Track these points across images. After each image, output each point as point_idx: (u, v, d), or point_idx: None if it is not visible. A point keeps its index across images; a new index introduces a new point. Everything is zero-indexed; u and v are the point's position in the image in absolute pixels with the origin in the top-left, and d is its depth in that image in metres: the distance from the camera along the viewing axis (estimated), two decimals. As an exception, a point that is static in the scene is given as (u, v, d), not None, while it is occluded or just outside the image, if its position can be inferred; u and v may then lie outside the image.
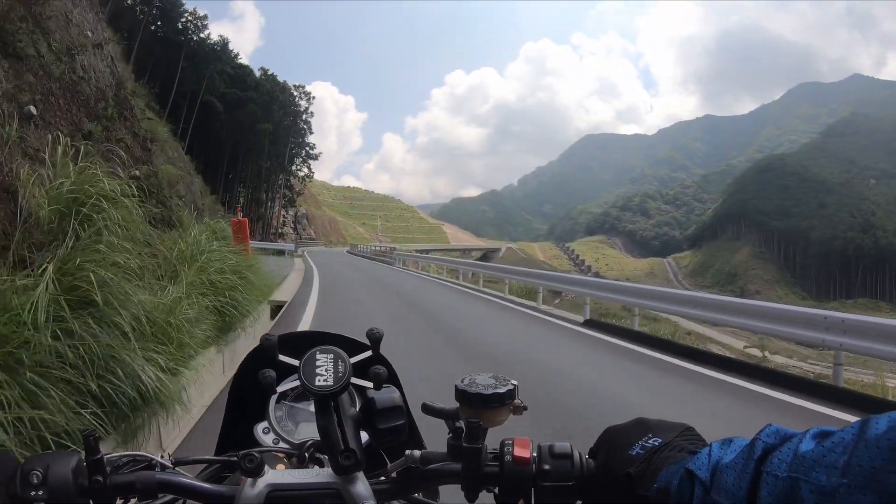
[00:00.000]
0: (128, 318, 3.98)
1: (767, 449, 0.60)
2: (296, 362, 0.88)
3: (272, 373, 0.87)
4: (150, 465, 0.92)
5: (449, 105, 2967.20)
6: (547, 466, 0.80)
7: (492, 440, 0.84)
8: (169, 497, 0.93)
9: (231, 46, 73.34)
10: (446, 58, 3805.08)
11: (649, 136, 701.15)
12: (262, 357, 1.10)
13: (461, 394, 0.86)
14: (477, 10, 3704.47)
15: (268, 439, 1.22)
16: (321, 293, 16.94)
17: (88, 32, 11.61)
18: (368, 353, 0.99)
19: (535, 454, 0.82)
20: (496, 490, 0.83)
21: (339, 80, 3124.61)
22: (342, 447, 0.82)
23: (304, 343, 1.01)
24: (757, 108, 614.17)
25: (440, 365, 8.00)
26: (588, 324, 13.04)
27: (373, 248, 70.76)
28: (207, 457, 1.06)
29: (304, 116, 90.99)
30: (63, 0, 9.97)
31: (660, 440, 0.76)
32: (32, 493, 0.77)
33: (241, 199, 78.00)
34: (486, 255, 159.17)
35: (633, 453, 0.75)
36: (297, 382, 0.86)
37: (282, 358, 0.93)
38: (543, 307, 16.19)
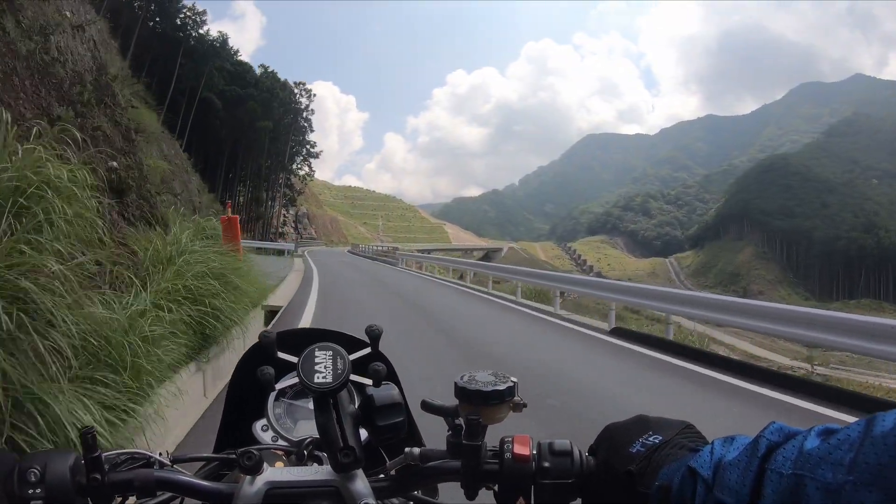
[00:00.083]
0: (60, 343, 2.97)
1: (771, 446, 0.60)
2: (294, 359, 0.88)
3: (271, 370, 0.87)
4: (148, 462, 0.92)
5: (450, 105, 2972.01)
6: (547, 464, 0.80)
7: (491, 438, 0.84)
8: (167, 495, 0.92)
9: (231, 44, 72.65)
10: (448, 57, 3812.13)
11: (651, 135, 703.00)
12: (260, 354, 1.14)
13: (461, 391, 0.86)
14: (478, 10, 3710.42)
15: (266, 437, 1.21)
16: (320, 296, 15.92)
17: (67, 13, 10.69)
18: (367, 350, 0.99)
19: (534, 452, 0.82)
20: (496, 488, 0.83)
21: (341, 80, 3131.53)
22: (341, 444, 0.82)
23: (303, 340, 1.02)
24: (759, 107, 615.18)
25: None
26: (616, 332, 11.82)
27: (374, 247, 69.49)
28: (206, 454, 1.06)
29: (304, 114, 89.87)
30: (37, -26, 8.99)
31: (660, 438, 0.76)
32: (30, 492, 0.76)
33: (241, 198, 77.16)
34: (489, 255, 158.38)
35: (634, 451, 0.75)
36: (296, 379, 0.86)
37: (280, 355, 0.93)
38: (561, 312, 15.07)
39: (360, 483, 0.83)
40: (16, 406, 2.68)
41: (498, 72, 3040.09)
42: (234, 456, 0.90)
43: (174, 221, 9.10)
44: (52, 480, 0.77)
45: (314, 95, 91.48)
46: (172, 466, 0.93)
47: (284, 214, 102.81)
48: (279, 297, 12.87)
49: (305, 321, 10.90)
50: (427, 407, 0.89)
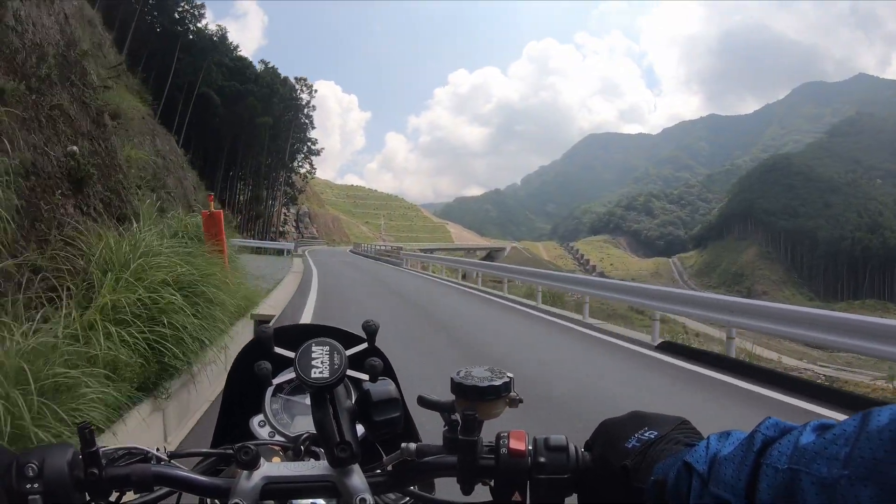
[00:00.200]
0: None
1: (767, 441, 0.60)
2: (292, 355, 0.88)
3: (268, 365, 0.87)
4: (145, 457, 0.92)
5: (452, 104, 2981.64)
6: (542, 459, 0.80)
7: (487, 433, 0.84)
8: (164, 490, 0.92)
9: (231, 39, 71.02)
10: (449, 57, 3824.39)
11: (653, 135, 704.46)
12: (257, 349, 1.16)
13: (457, 386, 0.87)
14: (480, 10, 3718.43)
15: (263, 432, 1.22)
16: (319, 301, 14.51)
17: (31, -20, 9.41)
18: (364, 346, 0.99)
19: (530, 447, 0.82)
20: (492, 483, 0.83)
21: (343, 79, 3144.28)
22: (338, 440, 0.83)
23: (300, 335, 1.01)
24: (761, 107, 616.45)
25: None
26: (666, 348, 10.19)
27: (376, 247, 67.96)
28: (203, 450, 1.06)
29: (305, 111, 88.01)
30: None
31: (656, 433, 0.76)
32: (28, 486, 0.77)
33: (241, 197, 75.93)
34: (491, 255, 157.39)
35: (629, 446, 0.75)
36: (293, 375, 0.86)
37: (278, 350, 0.94)
38: (591, 321, 13.43)
39: (357, 478, 0.83)
40: None
41: (500, 71, 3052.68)
42: (231, 451, 0.91)
43: (149, 217, 7.81)
44: (49, 475, 0.78)
45: (315, 91, 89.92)
46: (170, 461, 0.93)
47: (285, 213, 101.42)
48: (273, 304, 11.37)
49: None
50: (423, 402, 0.90)
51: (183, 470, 0.89)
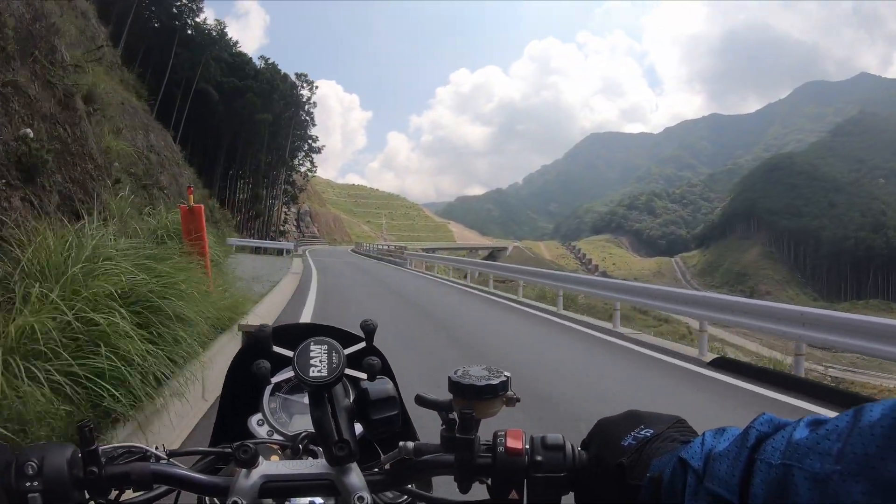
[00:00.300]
0: None
1: (761, 437, 0.60)
2: (290, 353, 0.89)
3: (266, 364, 0.88)
4: (144, 456, 0.93)
5: (454, 104, 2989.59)
6: (539, 458, 0.81)
7: (485, 432, 0.85)
8: (163, 488, 0.93)
9: (230, 36, 69.88)
10: (451, 56, 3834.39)
11: (655, 134, 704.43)
12: (256, 348, 1.16)
13: (454, 385, 0.87)
14: (482, 9, 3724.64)
15: (262, 431, 1.23)
16: (318, 308, 13.19)
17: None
18: (362, 345, 1.00)
19: (527, 446, 0.83)
20: (489, 481, 0.84)
21: (344, 79, 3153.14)
22: (336, 438, 0.83)
23: (298, 334, 1.02)
24: (763, 106, 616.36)
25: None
26: (720, 366, 8.88)
27: (378, 246, 66.70)
28: (202, 448, 1.07)
29: (306, 107, 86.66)
30: None
31: (652, 431, 0.77)
32: (28, 484, 0.77)
33: (241, 195, 74.79)
34: (493, 254, 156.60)
35: (625, 444, 0.76)
36: (292, 374, 0.87)
37: (276, 349, 0.95)
38: (623, 330, 12.12)
39: (355, 476, 0.84)
40: None
41: (501, 71, 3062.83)
42: (229, 450, 0.92)
43: (122, 213, 6.73)
44: (49, 473, 0.78)
45: (316, 88, 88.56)
46: (169, 460, 0.93)
47: (286, 212, 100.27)
48: (265, 312, 10.04)
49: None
50: (421, 401, 0.90)
51: (182, 468, 0.89)
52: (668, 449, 0.72)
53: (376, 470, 0.90)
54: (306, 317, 11.78)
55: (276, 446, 1.09)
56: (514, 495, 0.81)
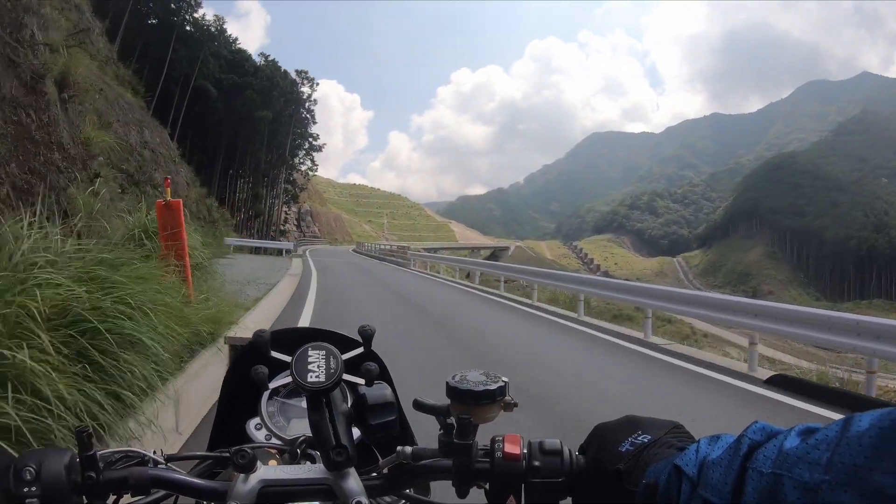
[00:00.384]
0: None
1: (753, 445, 0.61)
2: (288, 358, 0.89)
3: (264, 369, 0.88)
4: (142, 461, 0.93)
5: (455, 103, 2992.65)
6: (537, 463, 0.81)
7: (483, 437, 0.85)
8: (162, 493, 0.93)
9: (229, 32, 68.95)
10: (452, 56, 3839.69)
11: (656, 134, 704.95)
12: (254, 353, 1.13)
13: (452, 390, 0.87)
14: (482, 8, 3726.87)
15: (260, 435, 1.23)
16: (317, 313, 12.12)
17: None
18: (360, 350, 1.00)
19: (525, 451, 0.83)
20: (487, 486, 0.84)
21: (345, 79, 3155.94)
22: (334, 443, 0.83)
23: (296, 339, 1.04)
24: (765, 106, 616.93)
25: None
26: (777, 384, 7.78)
27: (380, 246, 65.61)
28: (200, 453, 1.09)
29: (307, 105, 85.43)
30: None
31: (649, 437, 0.77)
32: (25, 489, 0.77)
33: (242, 195, 73.84)
34: (495, 254, 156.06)
35: (623, 450, 0.76)
36: (290, 378, 0.87)
37: (274, 354, 0.95)
38: (656, 340, 11.08)
39: (353, 481, 0.84)
40: None
41: (502, 70, 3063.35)
42: (227, 454, 0.94)
43: (87, 209, 5.83)
44: (47, 478, 0.78)
45: (317, 84, 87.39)
46: (167, 465, 0.93)
47: (286, 212, 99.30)
48: (258, 319, 8.83)
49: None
50: (419, 406, 0.89)
51: (180, 473, 0.90)
52: (664, 455, 0.72)
53: (374, 475, 0.90)
54: (303, 325, 10.62)
55: (274, 451, 1.09)
56: (511, 500, 0.82)
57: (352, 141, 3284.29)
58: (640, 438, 0.77)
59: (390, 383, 1.03)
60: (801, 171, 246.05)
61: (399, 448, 0.88)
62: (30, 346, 2.73)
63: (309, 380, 0.83)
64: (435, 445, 0.87)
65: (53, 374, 2.72)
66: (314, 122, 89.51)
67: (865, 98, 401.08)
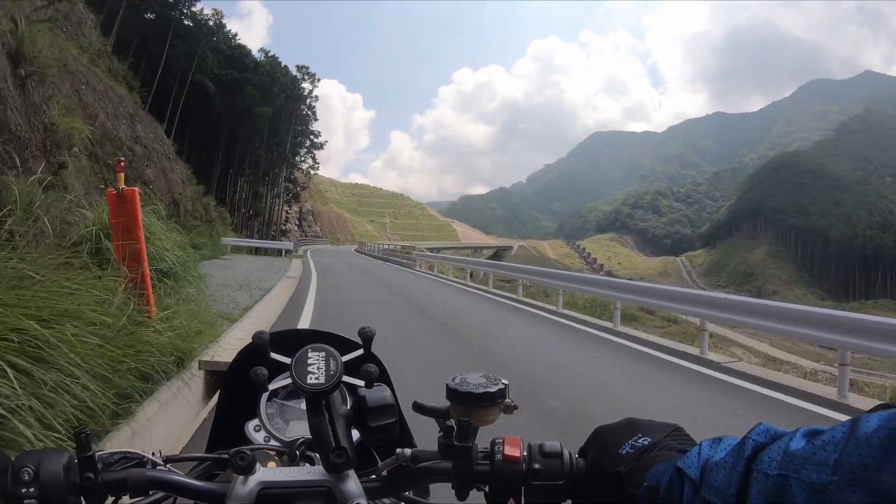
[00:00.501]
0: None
1: (758, 447, 0.61)
2: (288, 360, 0.89)
3: (264, 370, 0.88)
4: (141, 462, 0.92)
5: (456, 103, 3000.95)
6: (537, 465, 0.81)
7: (482, 439, 0.85)
8: (160, 494, 0.92)
9: (229, 28, 67.56)
10: (454, 55, 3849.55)
11: (658, 133, 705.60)
12: (253, 354, 1.17)
13: (452, 393, 0.87)
14: (484, 8, 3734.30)
15: (259, 437, 1.22)
16: (316, 321, 10.70)
17: None
18: (360, 352, 0.99)
19: (525, 453, 0.83)
20: (486, 488, 0.84)
21: (347, 78, 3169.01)
22: (333, 445, 0.83)
23: (296, 341, 1.05)
24: (767, 105, 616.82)
25: None
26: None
27: (382, 246, 64.16)
28: (199, 454, 1.08)
29: (308, 101, 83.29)
30: None
31: (649, 439, 0.77)
32: (24, 490, 0.77)
33: (242, 194, 72.54)
34: (498, 254, 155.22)
35: (623, 452, 0.76)
36: (289, 380, 0.87)
37: (273, 356, 0.94)
38: (715, 357, 9.57)
39: (352, 483, 0.85)
40: None
41: (504, 69, 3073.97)
42: (226, 456, 0.94)
43: (22, 202, 4.57)
44: (45, 479, 0.78)
45: (318, 80, 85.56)
46: (165, 466, 0.93)
47: (287, 211, 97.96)
48: (243, 335, 7.32)
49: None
50: (419, 408, 0.89)
51: (178, 475, 0.90)
52: (665, 458, 0.72)
53: (374, 477, 0.91)
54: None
55: (273, 452, 1.08)
56: (511, 503, 0.82)
57: (353, 141, 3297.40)
58: (640, 441, 0.77)
59: (390, 385, 1.01)
60: (805, 170, 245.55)
61: (398, 450, 0.88)
62: None
63: (308, 381, 0.83)
64: (434, 448, 0.87)
65: None
66: (315, 119, 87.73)
67: (868, 97, 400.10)
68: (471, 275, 26.79)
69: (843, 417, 5.59)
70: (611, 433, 0.81)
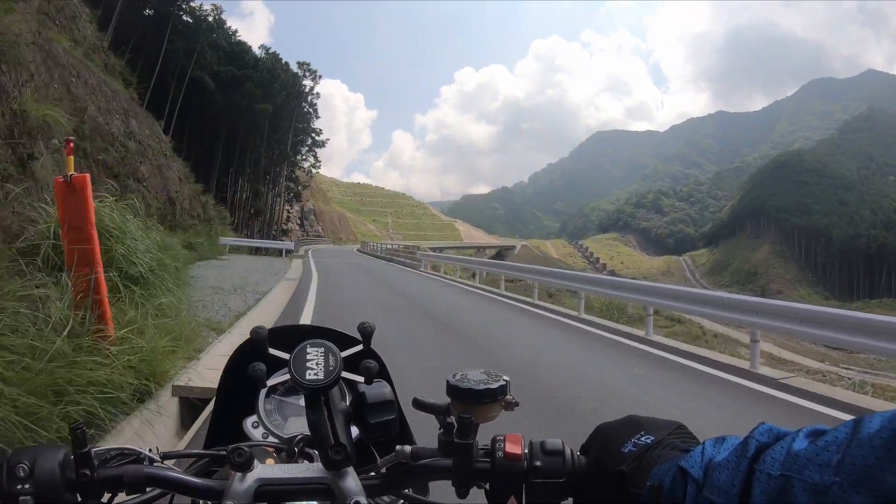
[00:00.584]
0: None
1: (761, 447, 0.61)
2: (286, 356, 0.88)
3: (262, 366, 0.87)
4: (138, 458, 0.92)
5: (458, 102, 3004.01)
6: (538, 463, 0.81)
7: (483, 437, 0.85)
8: (157, 491, 0.91)
9: (229, 24, 66.92)
10: (456, 55, 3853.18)
11: (661, 132, 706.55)
12: (252, 350, 1.14)
13: (453, 389, 0.87)
14: (486, 8, 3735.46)
15: (257, 434, 1.22)
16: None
17: None
18: (359, 348, 0.99)
19: (526, 451, 0.83)
20: (487, 486, 0.83)
21: (349, 78, 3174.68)
22: (332, 442, 0.83)
23: (295, 336, 1.02)
24: (770, 104, 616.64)
25: None
26: None
27: (385, 246, 63.06)
28: (196, 451, 1.07)
29: (309, 98, 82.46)
30: None
31: (652, 438, 0.76)
32: (19, 487, 0.76)
33: (244, 194, 71.71)
34: (501, 253, 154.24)
35: (626, 451, 0.76)
36: (288, 376, 0.87)
37: (272, 351, 0.94)
38: (766, 372, 8.50)
39: (351, 480, 0.84)
40: None
41: (506, 69, 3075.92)
42: (224, 452, 0.92)
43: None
44: (41, 475, 0.77)
45: (320, 77, 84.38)
46: (162, 462, 0.93)
47: (288, 210, 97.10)
48: (232, 348, 6.43)
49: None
50: (419, 405, 0.89)
51: (176, 471, 0.89)
52: (668, 457, 0.72)
53: (373, 474, 0.90)
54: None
55: (271, 449, 1.08)
56: (512, 501, 0.81)
57: (355, 140, 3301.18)
58: (642, 439, 0.76)
59: (389, 381, 1.01)
60: (808, 169, 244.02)
61: (398, 447, 0.88)
62: None
63: (307, 377, 0.83)
64: (434, 445, 0.87)
65: None
66: (317, 117, 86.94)
67: (870, 96, 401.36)
68: (474, 275, 25.89)
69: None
70: (613, 431, 0.80)
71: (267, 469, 0.85)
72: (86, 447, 0.80)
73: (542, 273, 18.76)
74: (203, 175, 51.15)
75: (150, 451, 0.93)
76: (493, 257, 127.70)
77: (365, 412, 0.85)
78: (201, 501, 0.94)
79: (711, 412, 6.46)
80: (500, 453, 0.81)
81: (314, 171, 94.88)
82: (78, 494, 0.81)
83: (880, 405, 7.19)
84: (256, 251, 42.39)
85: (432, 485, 0.97)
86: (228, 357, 1.29)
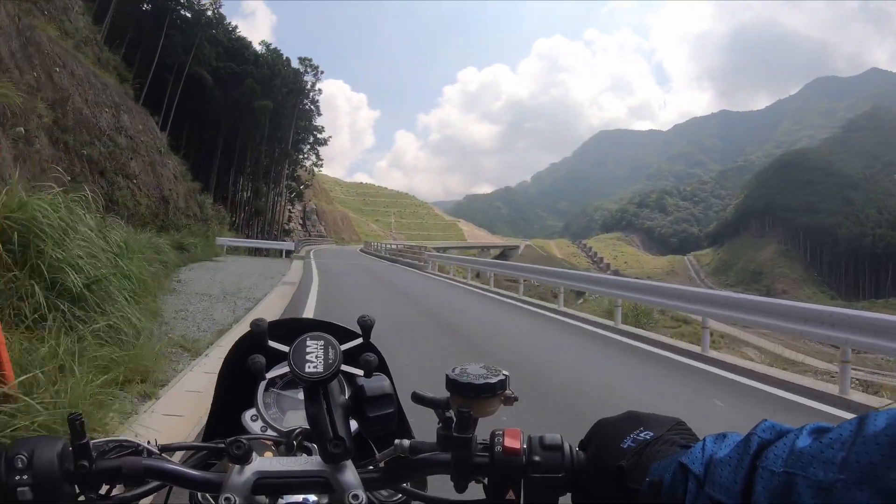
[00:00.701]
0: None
1: (763, 444, 0.60)
2: (286, 349, 0.89)
3: (261, 359, 0.88)
4: (136, 450, 0.91)
5: (461, 102, 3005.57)
6: (537, 458, 0.81)
7: (482, 431, 0.84)
8: (155, 483, 0.91)
9: (228, 20, 66.00)
10: (458, 55, 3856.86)
11: (664, 131, 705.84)
12: (251, 343, 1.17)
13: (452, 383, 0.87)
14: (488, 7, 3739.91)
15: (256, 427, 1.20)
16: None
17: None
18: (359, 341, 0.99)
19: (525, 445, 0.82)
20: (486, 481, 0.84)
21: (351, 78, 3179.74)
22: (331, 435, 0.83)
23: (295, 329, 1.03)
24: (773, 103, 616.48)
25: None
26: None
27: (388, 246, 61.66)
28: (195, 443, 1.07)
29: (311, 95, 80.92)
30: None
31: (651, 433, 0.76)
32: (17, 478, 0.77)
33: (244, 193, 70.56)
34: (505, 253, 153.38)
35: (625, 446, 0.76)
36: (287, 369, 0.89)
37: (272, 344, 0.94)
38: (856, 398, 7.41)
39: (350, 474, 0.84)
40: None
41: (509, 69, 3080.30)
42: (223, 445, 0.91)
43: None
44: (39, 467, 0.77)
45: (321, 73, 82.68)
46: (161, 455, 0.92)
47: (290, 210, 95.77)
48: (207, 379, 4.94)
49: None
50: (418, 399, 0.90)
51: (174, 463, 0.89)
52: (668, 452, 0.72)
53: (371, 468, 0.90)
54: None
55: (269, 442, 1.07)
56: (510, 495, 0.81)
57: (358, 140, 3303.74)
58: (642, 435, 0.76)
59: (389, 375, 1.01)
60: (813, 167, 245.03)
61: (397, 441, 0.88)
62: None
63: (307, 370, 0.83)
64: (433, 439, 0.87)
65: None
66: (319, 114, 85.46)
67: (874, 94, 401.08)
68: (477, 274, 25.29)
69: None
70: (612, 426, 0.80)
71: (265, 462, 0.85)
72: (84, 438, 0.80)
73: (568, 277, 17.27)
74: (202, 173, 50.24)
75: (148, 443, 0.92)
76: (497, 257, 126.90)
77: (364, 406, 0.86)
78: (199, 494, 0.95)
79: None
80: (498, 448, 0.81)
81: (316, 169, 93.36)
82: (76, 486, 0.81)
83: None
84: (256, 252, 41.30)
85: (431, 479, 0.96)
86: (224, 357, 1.28)
